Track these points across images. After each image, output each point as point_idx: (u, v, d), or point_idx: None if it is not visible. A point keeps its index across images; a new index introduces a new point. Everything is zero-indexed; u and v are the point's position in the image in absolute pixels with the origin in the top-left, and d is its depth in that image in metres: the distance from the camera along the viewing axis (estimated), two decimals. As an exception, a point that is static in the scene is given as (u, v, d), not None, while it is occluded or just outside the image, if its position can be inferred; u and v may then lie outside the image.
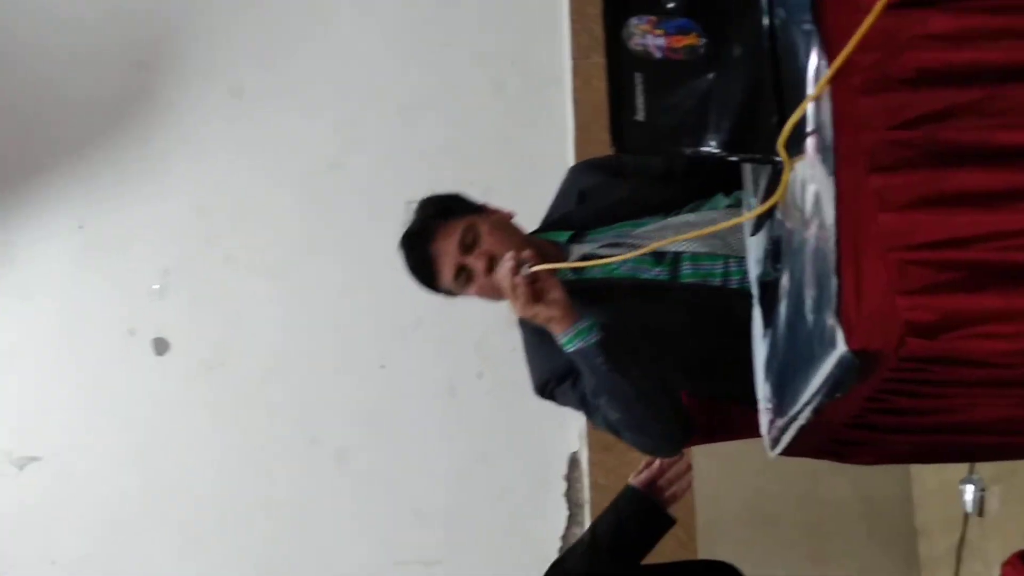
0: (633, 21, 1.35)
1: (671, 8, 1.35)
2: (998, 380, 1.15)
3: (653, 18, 1.35)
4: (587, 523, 2.82)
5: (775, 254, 1.40)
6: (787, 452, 1.42)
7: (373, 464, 3.01)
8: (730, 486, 2.91)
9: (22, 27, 3.22)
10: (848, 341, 1.10)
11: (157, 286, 3.16)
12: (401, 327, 3.06)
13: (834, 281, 1.13)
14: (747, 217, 1.51)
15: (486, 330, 2.95)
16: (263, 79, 3.20)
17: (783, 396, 1.36)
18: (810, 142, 1.24)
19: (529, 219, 1.95)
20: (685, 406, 1.83)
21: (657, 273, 1.83)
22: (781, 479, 2.92)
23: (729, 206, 1.81)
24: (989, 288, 1.09)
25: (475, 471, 2.98)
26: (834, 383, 1.16)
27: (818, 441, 1.36)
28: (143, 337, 3.12)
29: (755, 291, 1.56)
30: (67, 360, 3.07)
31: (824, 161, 1.20)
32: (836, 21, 1.20)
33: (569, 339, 1.72)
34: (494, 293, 1.80)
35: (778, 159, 1.28)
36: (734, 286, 1.76)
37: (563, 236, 1.91)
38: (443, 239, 1.81)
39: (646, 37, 1.36)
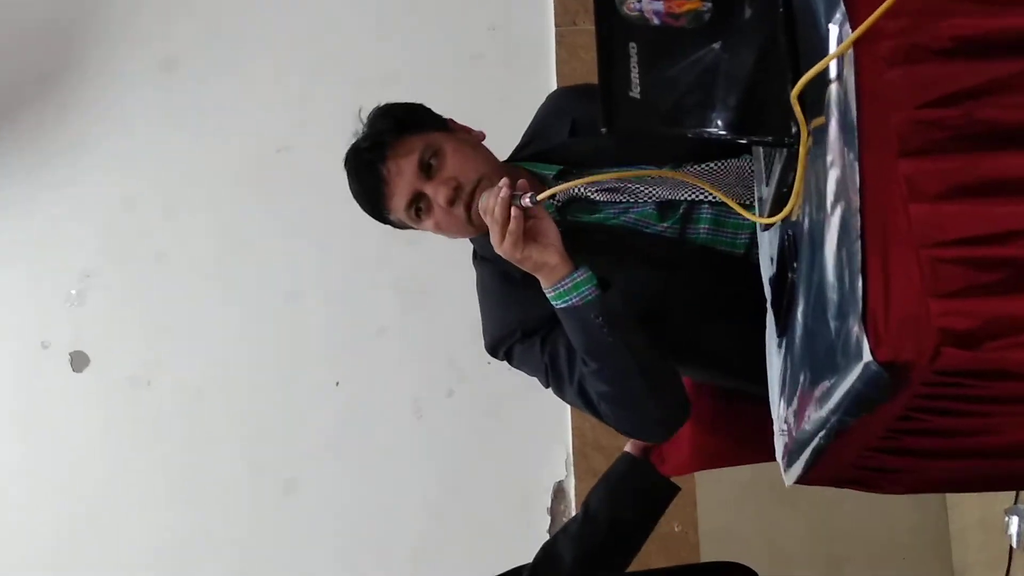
0: (626, -18, 1.35)
1: (671, -33, 1.36)
2: (1047, 396, 1.15)
3: (650, -22, 1.35)
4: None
5: (791, 250, 1.40)
6: (805, 480, 1.42)
7: (326, 498, 3.00)
8: (740, 518, 2.92)
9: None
10: (874, 351, 1.10)
11: (74, 291, 3.14)
12: (359, 337, 3.06)
13: (859, 282, 1.14)
14: (767, 221, 1.51)
15: (459, 339, 2.95)
16: (200, 50, 3.19)
17: (801, 416, 1.36)
18: (832, 121, 1.24)
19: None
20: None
21: (663, 230, 1.81)
22: (798, 511, 2.93)
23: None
24: (1036, 290, 1.10)
25: (446, 505, 2.97)
26: (859, 400, 1.16)
27: (840, 467, 1.37)
28: (58, 351, 3.10)
29: (768, 293, 1.56)
30: (-32, 378, 3.06)
31: (847, 143, 1.20)
32: (861, -19, 1.20)
33: (562, 292, 1.69)
34: (454, 228, 1.77)
35: (793, 142, 1.29)
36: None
37: (549, 170, 1.87)
38: (398, 158, 1.77)
39: (642, 0, 1.36)
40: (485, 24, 3.18)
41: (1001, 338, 1.08)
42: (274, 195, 3.14)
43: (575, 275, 1.68)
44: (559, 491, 2.99)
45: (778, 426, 1.51)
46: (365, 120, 1.84)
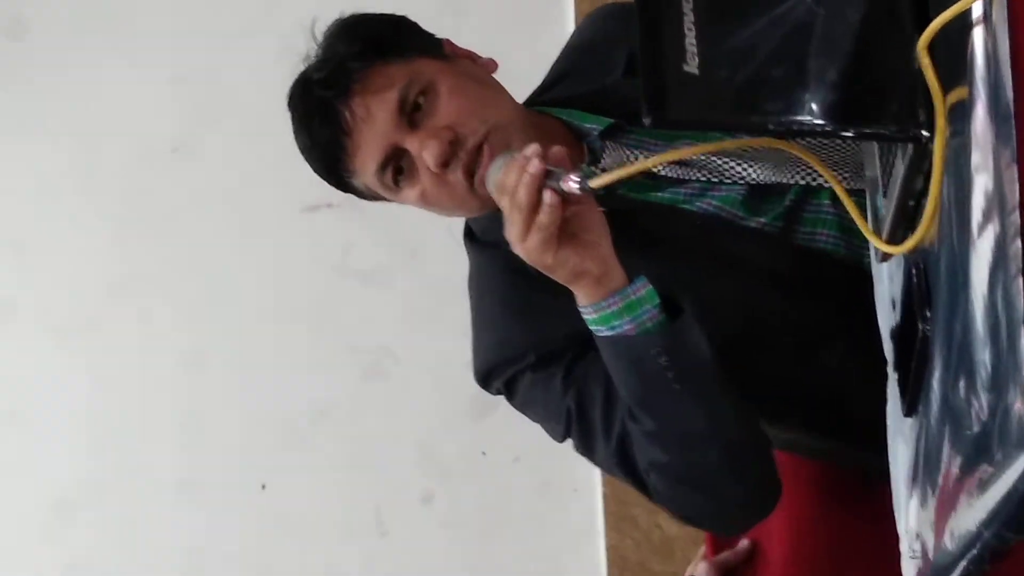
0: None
1: None
2: None
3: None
4: None
5: (922, 291, 1.40)
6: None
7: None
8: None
9: None
10: (1047, 437, 1.11)
11: None
12: (294, 418, 3.06)
13: (1022, 338, 1.14)
14: (895, 250, 1.51)
15: (436, 420, 2.94)
16: (58, 11, 3.20)
17: (940, 528, 1.36)
18: (979, 103, 1.24)
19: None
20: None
21: (760, 226, 1.80)
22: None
23: None
24: None
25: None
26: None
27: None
28: None
29: (888, 352, 1.56)
30: None
31: (1000, 135, 1.21)
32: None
33: (608, 315, 1.64)
34: (448, 201, 1.75)
35: (925, 133, 1.29)
36: None
37: (593, 122, 1.84)
38: (367, 95, 1.75)
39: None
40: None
41: None
42: (165, 213, 3.15)
43: (629, 290, 1.64)
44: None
45: (907, 543, 1.51)
46: (320, 39, 1.83)
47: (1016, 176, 1.18)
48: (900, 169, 1.43)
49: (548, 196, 1.56)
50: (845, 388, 1.79)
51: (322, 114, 1.76)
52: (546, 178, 1.57)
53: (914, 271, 1.42)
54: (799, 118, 1.35)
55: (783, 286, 1.79)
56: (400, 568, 3.03)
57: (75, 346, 3.19)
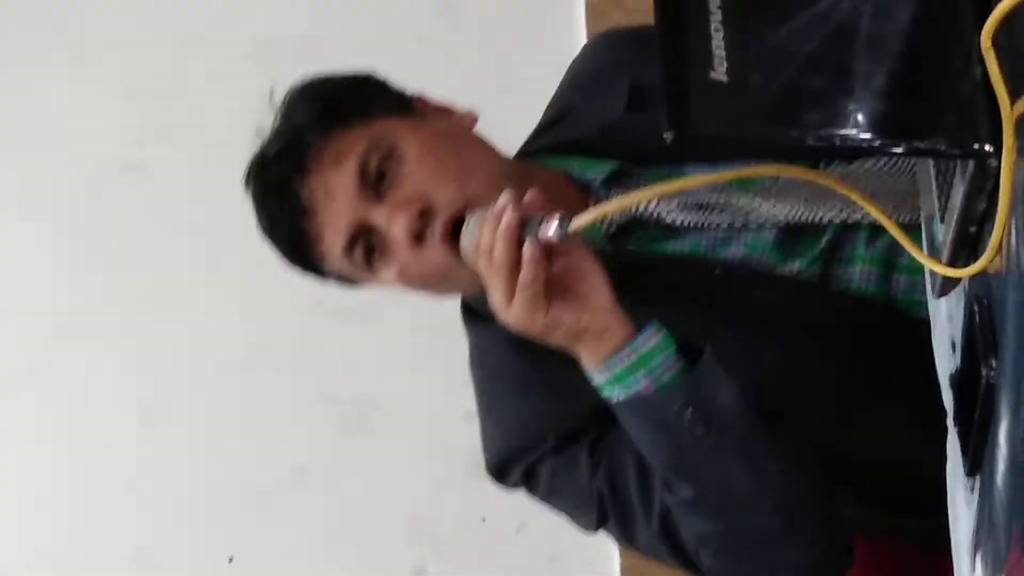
0: None
1: None
2: None
3: None
4: None
5: (986, 331, 1.40)
6: None
7: None
8: None
9: None
10: None
11: None
12: (266, 480, 3.06)
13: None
14: (957, 274, 1.51)
15: (429, 481, 2.94)
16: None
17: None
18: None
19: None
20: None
21: (794, 272, 1.79)
22: None
23: None
24: None
25: None
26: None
27: None
28: None
29: (948, 401, 1.56)
30: None
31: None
32: None
33: (620, 373, 1.65)
34: (430, 277, 1.75)
35: (989, 148, 1.28)
36: None
37: (594, 168, 1.85)
38: (325, 170, 1.76)
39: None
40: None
41: None
42: (120, 245, 3.16)
43: (639, 341, 1.65)
44: None
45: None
46: (280, 106, 1.84)
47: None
48: (960, 189, 1.43)
49: (528, 249, 1.58)
50: (902, 452, 1.79)
51: (279, 194, 1.79)
52: (524, 228, 1.59)
53: (976, 307, 1.42)
54: (842, 132, 1.34)
55: (824, 340, 1.79)
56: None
57: (15, 397, 3.19)
